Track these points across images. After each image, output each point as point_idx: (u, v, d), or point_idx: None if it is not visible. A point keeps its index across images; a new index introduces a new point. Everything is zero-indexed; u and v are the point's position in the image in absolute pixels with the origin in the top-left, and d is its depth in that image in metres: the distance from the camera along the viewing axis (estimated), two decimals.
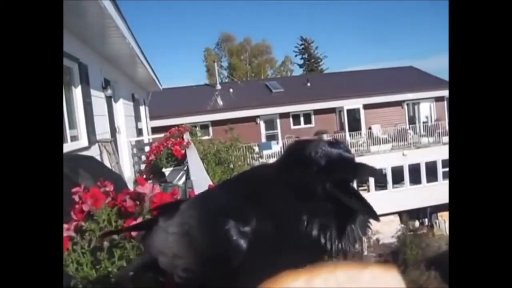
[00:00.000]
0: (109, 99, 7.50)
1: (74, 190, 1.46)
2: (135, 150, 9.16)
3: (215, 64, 28.78)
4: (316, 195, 0.56)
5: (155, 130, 14.29)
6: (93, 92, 6.10)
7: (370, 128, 20.91)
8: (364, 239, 16.15)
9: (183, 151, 5.53)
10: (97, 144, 6.03)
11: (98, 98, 6.56)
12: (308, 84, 23.78)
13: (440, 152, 18.08)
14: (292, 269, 0.33)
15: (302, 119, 21.89)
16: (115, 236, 1.35)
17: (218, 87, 23.94)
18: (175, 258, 0.67)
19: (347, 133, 20.14)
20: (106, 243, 1.30)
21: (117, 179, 3.25)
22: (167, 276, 0.70)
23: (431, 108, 22.31)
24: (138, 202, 1.53)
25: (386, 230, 16.15)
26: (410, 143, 19.46)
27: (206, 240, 0.62)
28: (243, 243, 0.59)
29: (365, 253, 16.06)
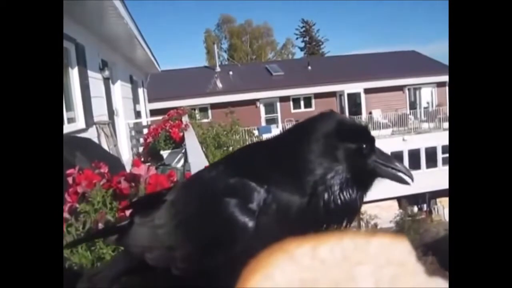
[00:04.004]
0: (106, 81, 7.44)
1: (68, 172, 1.43)
2: (133, 133, 9.14)
3: (215, 46, 28.57)
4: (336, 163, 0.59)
5: (153, 112, 14.25)
6: (90, 73, 6.04)
7: (370, 113, 20.88)
8: (362, 223, 16.33)
9: (181, 134, 5.50)
10: (94, 126, 6.00)
11: (96, 80, 6.51)
12: (309, 67, 23.67)
13: (440, 138, 18.07)
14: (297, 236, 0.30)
15: (302, 102, 21.82)
16: (110, 217, 1.33)
17: (218, 69, 23.81)
18: (170, 250, 0.62)
19: None
20: (100, 225, 1.27)
21: (115, 161, 3.24)
22: (158, 271, 0.66)
23: (433, 93, 22.23)
24: (133, 184, 1.51)
25: (384, 215, 16.25)
26: (411, 129, 19.44)
27: (208, 226, 0.59)
28: (249, 223, 0.55)
29: None
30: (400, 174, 0.62)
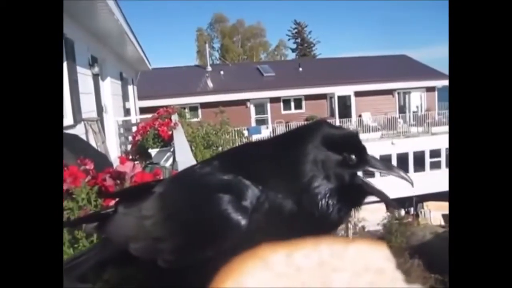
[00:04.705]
0: (96, 77, 7.36)
1: None
2: (122, 130, 9.06)
3: (206, 45, 28.48)
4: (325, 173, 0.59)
5: (143, 110, 14.14)
6: (79, 69, 5.97)
7: (360, 116, 20.97)
8: (350, 226, 16.40)
9: (170, 132, 5.47)
10: (82, 123, 5.93)
11: (85, 76, 6.44)
12: (300, 69, 23.69)
13: (429, 142, 18.21)
14: (272, 241, 0.29)
15: (292, 104, 21.85)
16: None
17: (209, 68, 23.75)
18: (157, 242, 0.61)
19: (337, 120, 20.17)
20: None
21: (102, 159, 3.20)
22: (141, 262, 0.65)
23: (422, 98, 22.40)
24: (118, 181, 1.49)
25: (372, 218, 16.32)
26: (400, 132, 19.56)
27: (200, 220, 0.58)
28: (242, 220, 0.55)
29: None
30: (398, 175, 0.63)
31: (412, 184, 0.63)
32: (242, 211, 0.56)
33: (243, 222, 0.56)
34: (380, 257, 0.29)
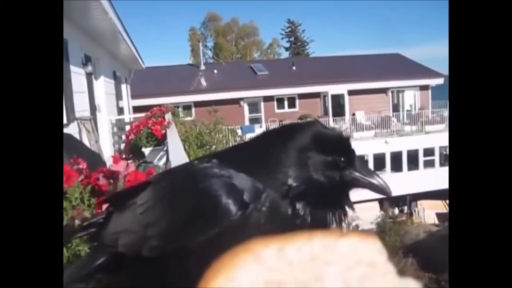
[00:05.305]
0: (89, 76, 7.35)
1: None
2: (115, 129, 9.04)
3: (200, 44, 28.44)
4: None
5: (136, 109, 14.10)
6: (72, 68, 5.95)
7: (354, 114, 21.01)
8: (344, 224, 16.42)
9: (163, 131, 5.45)
10: (76, 122, 5.91)
11: (78, 75, 6.42)
12: (294, 67, 23.71)
13: (422, 141, 18.28)
14: (264, 236, 0.29)
15: (286, 103, 21.86)
16: (87, 214, 1.30)
17: (202, 67, 23.71)
18: (146, 228, 0.61)
19: (331, 118, 20.21)
20: (77, 222, 1.25)
21: (95, 158, 3.19)
22: (129, 258, 0.65)
23: (416, 96, 22.48)
24: (112, 181, 1.49)
25: (366, 216, 16.38)
26: (393, 131, 19.61)
27: (192, 202, 0.58)
28: (232, 203, 0.55)
29: None
30: (378, 184, 0.63)
31: (390, 195, 0.63)
32: (237, 201, 0.56)
33: (235, 211, 0.55)
34: (371, 250, 0.29)
